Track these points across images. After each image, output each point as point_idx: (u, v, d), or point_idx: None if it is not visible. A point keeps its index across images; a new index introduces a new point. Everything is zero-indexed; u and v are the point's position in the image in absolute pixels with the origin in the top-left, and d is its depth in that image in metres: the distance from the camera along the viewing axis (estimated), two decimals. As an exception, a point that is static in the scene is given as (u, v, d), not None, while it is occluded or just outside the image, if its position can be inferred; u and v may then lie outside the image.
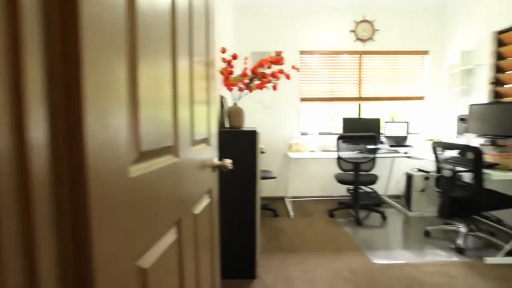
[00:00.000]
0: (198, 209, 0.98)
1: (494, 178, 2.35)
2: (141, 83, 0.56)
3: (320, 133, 4.26)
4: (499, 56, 3.33)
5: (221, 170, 1.91)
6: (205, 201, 1.07)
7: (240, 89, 2.20)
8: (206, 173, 1.07)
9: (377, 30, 4.12)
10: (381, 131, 4.08)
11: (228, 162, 1.16)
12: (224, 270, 2.10)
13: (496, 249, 2.64)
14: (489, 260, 2.40)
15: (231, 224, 2.04)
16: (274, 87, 2.15)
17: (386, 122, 4.11)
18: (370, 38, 4.12)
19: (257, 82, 2.11)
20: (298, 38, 4.13)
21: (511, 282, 2.13)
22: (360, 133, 3.28)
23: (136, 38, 0.54)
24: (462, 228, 2.80)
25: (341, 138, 3.27)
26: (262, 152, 3.18)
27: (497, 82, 3.36)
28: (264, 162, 4.27)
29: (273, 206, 3.98)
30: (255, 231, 2.06)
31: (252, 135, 2.00)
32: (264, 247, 2.73)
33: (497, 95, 3.36)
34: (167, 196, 0.69)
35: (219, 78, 2.26)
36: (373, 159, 3.29)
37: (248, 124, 4.22)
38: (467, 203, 2.54)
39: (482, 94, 3.48)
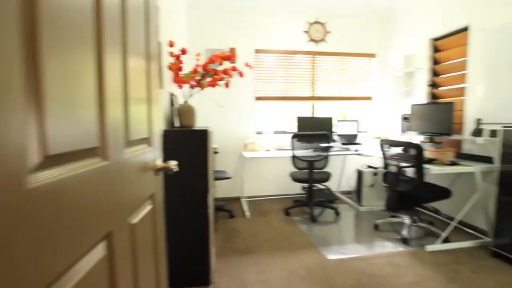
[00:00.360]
0: (137, 218, 0.88)
1: (433, 173, 2.53)
2: (47, 75, 0.46)
3: (276, 132, 4.29)
4: (435, 61, 3.62)
5: (170, 173, 1.81)
6: (146, 208, 0.97)
7: (192, 87, 2.10)
8: (147, 176, 0.97)
9: (329, 32, 4.25)
10: (334, 129, 4.23)
11: (172, 163, 1.07)
12: (176, 279, 1.98)
13: (435, 237, 2.86)
14: (429, 248, 2.59)
15: (182, 230, 1.93)
16: (227, 85, 2.08)
17: (338, 121, 4.26)
18: (322, 40, 4.24)
19: (208, 79, 2.02)
20: (253, 37, 4.11)
21: (446, 266, 2.31)
22: (314, 131, 3.35)
23: (41, 28, 0.44)
24: (407, 220, 2.99)
25: (295, 136, 3.31)
26: (216, 152, 3.09)
27: (433, 85, 3.66)
28: (218, 162, 4.18)
29: (229, 207, 3.91)
30: (208, 236, 1.98)
31: (203, 135, 1.91)
32: (220, 250, 2.65)
33: (434, 96, 3.65)
34: (90, 207, 0.59)
35: (167, 74, 2.13)
36: (326, 157, 3.38)
37: (202, 123, 4.10)
38: (410, 196, 2.71)
39: (422, 95, 3.76)
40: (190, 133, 1.89)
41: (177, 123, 2.25)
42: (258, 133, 4.27)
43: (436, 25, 3.51)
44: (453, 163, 2.69)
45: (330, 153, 3.62)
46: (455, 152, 3.14)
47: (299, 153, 3.60)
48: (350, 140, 4.28)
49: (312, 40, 4.21)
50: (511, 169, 2.32)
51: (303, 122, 4.02)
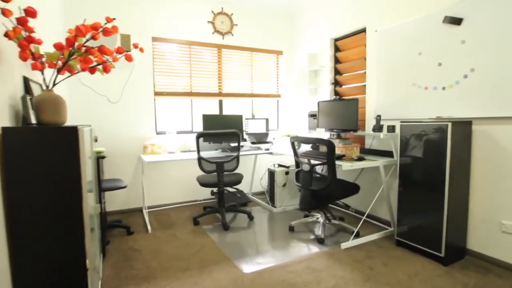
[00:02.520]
0: None
1: (344, 169, 2.50)
2: None
3: (179, 132, 3.80)
4: (338, 60, 3.75)
5: (23, 186, 1.20)
6: None
7: (61, 72, 1.48)
8: None
9: (236, 24, 4.00)
10: (243, 128, 3.99)
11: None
12: None
13: (347, 232, 2.88)
14: (344, 245, 2.55)
15: (45, 267, 1.32)
16: (106, 69, 1.54)
17: (247, 119, 4.04)
18: (229, 32, 3.96)
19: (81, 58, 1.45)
20: (150, 23, 3.53)
21: (361, 263, 2.28)
22: (222, 130, 3.01)
23: None
24: (321, 218, 2.93)
25: (201, 136, 2.91)
26: (102, 157, 2.45)
27: (336, 83, 3.78)
28: (110, 169, 3.46)
29: (127, 221, 3.25)
30: (85, 271, 1.41)
31: (71, 134, 1.34)
32: (111, 281, 2.06)
33: (337, 94, 3.77)
34: None
35: (12, 48, 1.47)
36: (237, 158, 3.09)
37: (88, 121, 3.31)
38: (324, 194, 2.63)
39: (326, 93, 3.84)
40: (52, 132, 1.30)
41: (34, 119, 1.58)
42: (159, 133, 3.71)
43: (337, 25, 3.62)
44: (360, 158, 2.73)
45: (240, 153, 3.36)
46: (360, 147, 3.26)
47: (206, 154, 3.23)
48: (260, 138, 4.11)
49: (217, 31, 3.88)
50: (408, 162, 2.44)
51: (209, 120, 3.65)
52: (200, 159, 2.96)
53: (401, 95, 2.84)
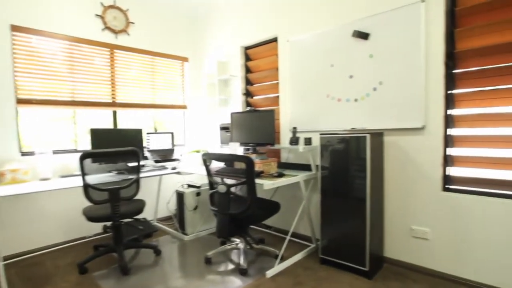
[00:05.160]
0: None
1: (266, 188, 2.24)
2: None
3: (57, 152, 2.95)
4: (249, 70, 3.56)
5: None
6: None
7: None
8: None
9: (132, 23, 3.40)
10: (144, 144, 3.39)
11: None
12: None
13: (270, 256, 2.61)
14: (269, 273, 2.27)
15: None
16: None
17: (148, 133, 3.46)
18: (124, 31, 3.33)
19: None
20: (8, 5, 2.64)
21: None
22: (117, 148, 2.40)
23: None
24: (241, 244, 2.59)
25: (87, 156, 2.23)
26: None
27: (248, 93, 3.58)
28: None
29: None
30: None
31: None
32: None
33: (249, 105, 3.57)
34: None
35: None
36: (137, 181, 2.51)
37: None
38: (244, 217, 2.31)
39: (238, 104, 3.60)
40: None
41: None
42: (25, 154, 2.78)
43: (247, 33, 3.44)
44: (280, 174, 2.52)
45: (141, 175, 2.77)
46: (278, 162, 3.09)
47: (96, 179, 2.54)
48: (165, 156, 3.57)
49: (109, 28, 3.22)
50: (329, 174, 2.34)
51: (100, 136, 2.93)
52: (86, 186, 2.27)
53: (316, 107, 2.79)
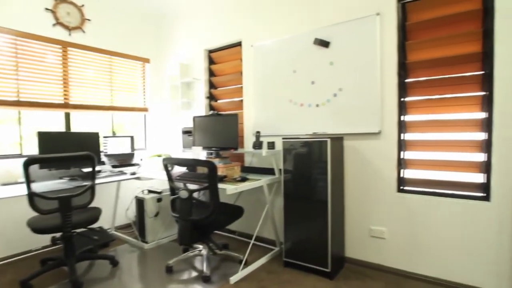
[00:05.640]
0: None
1: (229, 193, 2.21)
2: None
3: None
4: (213, 73, 3.52)
5: None
6: None
7: None
8: None
9: (88, 20, 3.21)
10: (102, 148, 3.20)
11: None
12: None
13: (235, 261, 2.58)
14: (233, 279, 2.23)
15: None
16: None
17: (106, 137, 3.27)
18: (78, 28, 3.13)
19: None
20: None
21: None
22: (70, 153, 2.23)
23: None
24: (204, 251, 2.53)
25: (32, 162, 2.04)
26: None
27: (211, 97, 3.53)
28: None
29: None
30: None
31: None
32: None
33: (213, 109, 3.52)
34: None
35: None
36: (92, 188, 2.35)
37: None
38: (207, 223, 2.26)
39: (201, 108, 3.54)
40: None
41: None
42: (-40, 160, 2.49)
43: (211, 36, 3.40)
44: (243, 179, 2.51)
45: (98, 181, 2.61)
46: (241, 166, 3.07)
47: (44, 187, 2.34)
48: (124, 161, 3.39)
49: (61, 24, 3.01)
50: (292, 178, 2.38)
51: (50, 140, 2.71)
52: (31, 194, 2.07)
53: (279, 111, 2.83)
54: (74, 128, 3.22)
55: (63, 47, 3.05)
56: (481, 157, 1.99)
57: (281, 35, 2.79)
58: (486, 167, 1.96)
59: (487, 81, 1.94)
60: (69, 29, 3.06)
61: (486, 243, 1.95)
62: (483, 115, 1.97)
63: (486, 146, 1.95)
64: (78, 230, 2.94)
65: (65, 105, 3.09)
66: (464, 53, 1.99)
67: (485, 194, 1.97)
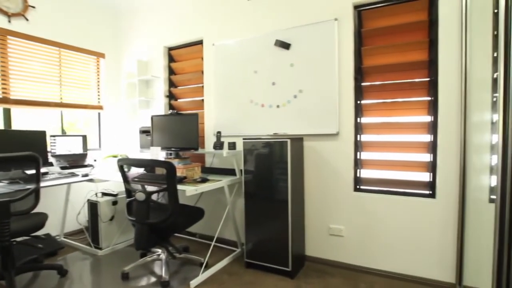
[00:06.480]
0: None
1: (189, 194, 2.15)
2: None
3: None
4: (173, 71, 3.41)
5: None
6: None
7: None
8: None
9: (32, 6, 2.93)
10: (49, 148, 2.95)
11: None
12: None
13: (195, 264, 2.51)
14: (193, 283, 2.18)
15: None
16: None
17: (53, 136, 3.02)
18: (20, 14, 2.84)
19: None
20: None
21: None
22: (10, 153, 2.02)
23: None
24: (162, 255, 2.43)
25: (-35, 164, 1.82)
26: None
27: (171, 96, 3.42)
28: None
29: None
30: None
31: None
32: None
33: (173, 108, 3.41)
34: None
35: None
36: (36, 191, 2.14)
37: None
38: (165, 226, 2.18)
39: (160, 107, 3.41)
40: None
41: None
42: None
43: (171, 33, 3.29)
44: (203, 180, 2.45)
45: (44, 184, 2.40)
46: (202, 167, 3.01)
47: (-20, 191, 2.09)
48: (75, 161, 3.16)
49: None
50: (252, 179, 2.37)
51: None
52: (-38, 201, 1.84)
53: (240, 112, 2.81)
54: (16, 126, 2.93)
55: (1, 35, 2.75)
56: (427, 157, 2.15)
57: (243, 35, 2.78)
58: (432, 167, 2.12)
59: (432, 87, 2.09)
60: (8, 15, 2.77)
61: (432, 237, 2.11)
62: (429, 118, 2.13)
63: (432, 147, 2.11)
64: (19, 239, 2.68)
65: (5, 100, 2.79)
66: (413, 61, 2.13)
67: (431, 192, 2.13)
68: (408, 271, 2.20)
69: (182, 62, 3.30)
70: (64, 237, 3.17)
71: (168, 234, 2.33)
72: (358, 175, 2.38)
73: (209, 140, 3.05)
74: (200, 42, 3.11)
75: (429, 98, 2.12)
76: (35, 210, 2.22)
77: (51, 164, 2.97)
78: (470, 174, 1.97)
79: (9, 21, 2.78)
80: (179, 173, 2.49)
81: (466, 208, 1.98)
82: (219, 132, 2.78)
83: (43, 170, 2.81)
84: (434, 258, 2.11)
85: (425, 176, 2.17)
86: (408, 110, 2.20)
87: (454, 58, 1.98)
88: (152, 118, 2.99)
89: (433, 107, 2.10)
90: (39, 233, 2.90)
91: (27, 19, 2.90)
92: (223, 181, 2.50)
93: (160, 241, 2.30)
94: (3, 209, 1.95)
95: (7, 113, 2.86)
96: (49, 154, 2.95)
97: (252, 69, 2.71)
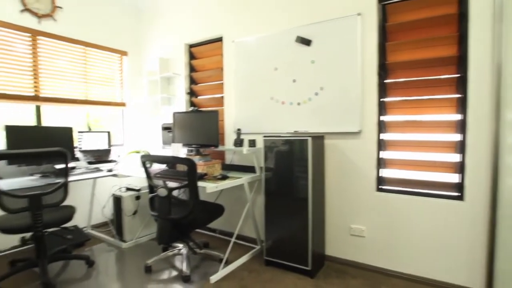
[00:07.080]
0: None
1: (209, 191, 2.17)
2: None
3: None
4: (193, 68, 3.44)
5: None
6: None
7: None
8: None
9: (59, 7, 3.04)
10: (76, 144, 3.07)
11: None
12: None
13: (215, 260, 2.55)
14: (213, 278, 2.21)
15: None
16: None
17: (81, 132, 3.14)
18: (49, 16, 2.96)
19: None
20: None
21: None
22: (41, 148, 2.11)
23: None
24: (183, 250, 2.49)
25: (1, 157, 1.92)
26: None
27: (192, 93, 3.46)
28: None
29: None
30: None
31: None
32: None
33: (193, 105, 3.45)
34: None
35: None
36: (65, 185, 2.24)
37: None
38: (186, 222, 2.22)
39: (181, 103, 3.46)
40: None
41: None
42: None
43: (192, 30, 3.32)
44: (224, 177, 2.48)
45: (72, 178, 2.51)
46: (222, 163, 3.03)
47: (12, 184, 2.21)
48: (100, 157, 3.28)
49: (30, 11, 2.83)
50: (272, 176, 2.37)
51: (18, 134, 2.57)
52: (-2, 193, 1.95)
53: (260, 109, 2.81)
54: (45, 123, 3.06)
55: (32, 36, 2.87)
56: (456, 157, 2.06)
57: (263, 32, 2.76)
58: (460, 168, 2.03)
59: (461, 84, 2.00)
60: (38, 16, 2.89)
61: (460, 241, 2.03)
62: (458, 117, 2.04)
63: (461, 147, 2.02)
64: (50, 230, 2.82)
65: (36, 98, 2.93)
66: (440, 56, 2.04)
67: (459, 194, 2.04)
68: (432, 276, 2.13)
69: (202, 59, 3.32)
70: (90, 229, 3.31)
71: (189, 230, 2.38)
72: (381, 174, 2.32)
73: (229, 137, 3.07)
74: (220, 39, 3.12)
75: (458, 95, 2.03)
76: (64, 203, 2.32)
77: (78, 159, 3.09)
78: (503, 175, 1.86)
79: (39, 22, 2.90)
80: (199, 170, 2.53)
81: (498, 211, 1.89)
82: (239, 129, 2.79)
83: (71, 164, 2.93)
84: (461, 263, 2.03)
85: (453, 177, 2.09)
86: (434, 108, 2.11)
87: (486, 52, 1.88)
88: (173, 115, 3.04)
89: (461, 105, 2.00)
90: (68, 225, 3.04)
91: (55, 20, 3.01)
92: (243, 178, 2.51)
93: (181, 236, 2.35)
94: (36, 201, 2.06)
95: (37, 110, 2.99)
96: (76, 150, 3.07)
97: (273, 66, 2.69)
